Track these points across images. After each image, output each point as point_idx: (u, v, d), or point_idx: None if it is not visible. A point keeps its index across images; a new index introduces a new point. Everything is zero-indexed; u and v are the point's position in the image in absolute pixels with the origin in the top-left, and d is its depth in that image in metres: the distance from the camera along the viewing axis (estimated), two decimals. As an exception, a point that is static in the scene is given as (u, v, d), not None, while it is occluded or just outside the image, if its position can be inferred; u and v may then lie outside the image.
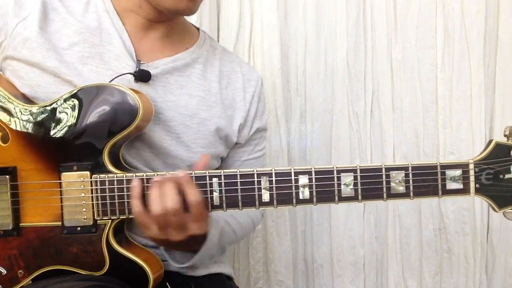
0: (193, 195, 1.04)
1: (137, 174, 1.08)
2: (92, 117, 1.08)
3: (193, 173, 1.07)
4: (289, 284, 1.92)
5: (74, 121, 1.09)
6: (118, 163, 1.12)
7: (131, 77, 1.18)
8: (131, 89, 1.10)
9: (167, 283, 1.21)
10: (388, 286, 1.92)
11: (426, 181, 1.06)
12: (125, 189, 1.08)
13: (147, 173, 1.08)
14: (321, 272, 1.94)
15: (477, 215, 1.85)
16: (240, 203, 1.07)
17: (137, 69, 1.18)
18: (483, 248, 1.88)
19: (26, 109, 1.11)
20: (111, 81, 1.15)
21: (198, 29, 1.39)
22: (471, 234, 1.86)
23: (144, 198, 1.06)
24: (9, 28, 1.16)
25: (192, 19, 1.78)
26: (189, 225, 1.06)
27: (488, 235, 1.90)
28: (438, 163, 1.06)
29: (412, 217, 1.90)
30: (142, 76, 1.18)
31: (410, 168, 1.06)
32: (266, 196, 1.07)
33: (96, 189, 1.08)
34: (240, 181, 1.06)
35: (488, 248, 1.90)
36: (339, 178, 1.05)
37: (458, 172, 1.06)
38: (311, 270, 1.96)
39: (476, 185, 1.06)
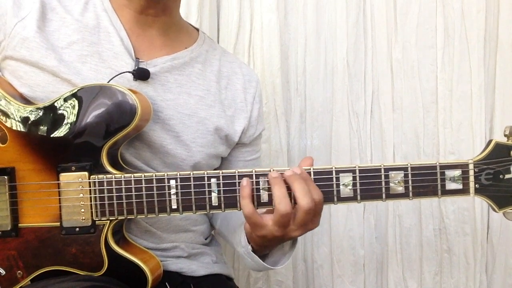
0: (318, 192, 1.04)
1: (135, 175, 1.08)
2: (90, 117, 1.08)
3: (191, 173, 1.06)
4: (289, 284, 1.92)
5: (73, 121, 1.08)
6: (116, 163, 1.12)
7: (130, 76, 1.18)
8: (129, 89, 1.10)
9: (166, 283, 1.21)
10: (388, 286, 1.92)
11: (425, 182, 1.05)
12: (123, 189, 1.07)
13: (145, 174, 1.08)
14: (321, 272, 1.94)
15: (477, 215, 1.84)
16: (238, 204, 1.06)
17: (136, 67, 1.18)
18: (483, 248, 1.87)
19: (24, 110, 1.11)
20: (110, 80, 1.15)
21: (197, 30, 1.39)
22: (471, 234, 1.86)
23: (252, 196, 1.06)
24: (7, 28, 1.16)
25: (192, 19, 1.79)
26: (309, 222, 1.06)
27: (488, 235, 1.90)
28: (437, 163, 1.05)
29: (412, 217, 1.90)
30: (141, 75, 1.18)
31: (409, 168, 1.05)
32: (264, 197, 1.06)
33: (95, 189, 1.08)
34: (239, 182, 1.06)
35: (488, 248, 1.90)
36: (338, 179, 1.05)
37: (457, 172, 1.05)
38: (311, 270, 1.96)
39: (476, 185, 1.05)
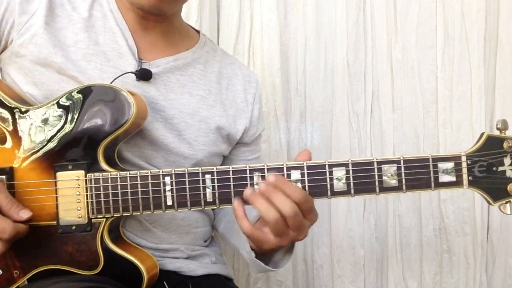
0: (298, 192, 1.01)
1: (131, 172, 1.08)
2: (87, 117, 1.09)
3: (186, 170, 1.06)
4: (288, 284, 1.91)
5: (70, 121, 1.09)
6: (112, 162, 1.12)
7: (133, 76, 1.19)
8: (125, 89, 1.10)
9: (164, 282, 1.21)
10: (388, 286, 1.92)
11: (418, 174, 1.05)
12: (119, 187, 1.07)
13: (140, 171, 1.08)
14: (321, 272, 1.94)
15: (477, 215, 1.84)
16: (233, 199, 1.06)
17: (139, 68, 1.20)
18: (483, 248, 1.87)
19: (23, 110, 1.11)
20: (113, 80, 1.16)
21: (198, 32, 1.41)
22: (471, 234, 1.86)
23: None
24: (17, 25, 1.17)
25: (192, 19, 1.80)
26: (304, 220, 1.04)
27: (488, 235, 1.89)
28: (430, 156, 1.05)
29: (412, 217, 1.90)
30: (144, 75, 1.20)
31: (402, 161, 1.04)
32: None
33: (91, 187, 1.08)
34: (233, 177, 1.05)
35: (488, 248, 1.90)
36: (331, 173, 1.04)
37: (450, 165, 1.05)
38: (311, 270, 1.96)
39: (469, 177, 1.05)
